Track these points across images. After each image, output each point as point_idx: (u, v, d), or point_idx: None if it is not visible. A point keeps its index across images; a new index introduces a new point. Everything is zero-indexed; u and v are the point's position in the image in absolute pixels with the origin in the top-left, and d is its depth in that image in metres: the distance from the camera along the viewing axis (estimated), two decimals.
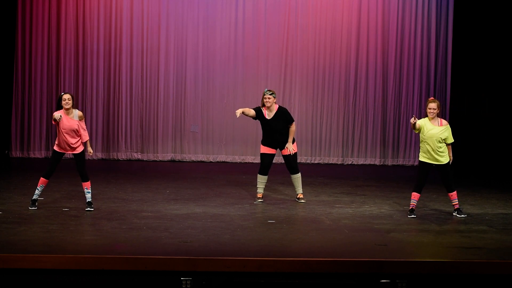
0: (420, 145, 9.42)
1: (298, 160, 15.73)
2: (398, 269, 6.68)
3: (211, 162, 15.96)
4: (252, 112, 10.23)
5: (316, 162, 16.15)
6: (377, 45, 16.12)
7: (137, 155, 15.88)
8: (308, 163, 15.99)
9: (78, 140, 9.24)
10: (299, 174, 10.41)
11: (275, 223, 8.65)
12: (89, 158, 9.81)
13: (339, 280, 6.68)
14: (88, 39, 15.72)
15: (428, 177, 9.46)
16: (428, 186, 12.22)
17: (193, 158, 15.99)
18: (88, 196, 9.32)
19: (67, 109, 9.14)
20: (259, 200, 10.31)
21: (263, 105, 10.21)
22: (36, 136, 15.72)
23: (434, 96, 16.19)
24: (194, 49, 15.95)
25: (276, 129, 10.20)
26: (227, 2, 15.94)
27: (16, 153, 15.66)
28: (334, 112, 16.19)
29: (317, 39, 16.10)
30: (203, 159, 16.00)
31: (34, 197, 9.30)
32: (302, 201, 10.39)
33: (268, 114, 10.21)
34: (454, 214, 9.52)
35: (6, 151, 15.45)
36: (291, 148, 10.22)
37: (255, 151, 15.88)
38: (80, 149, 9.27)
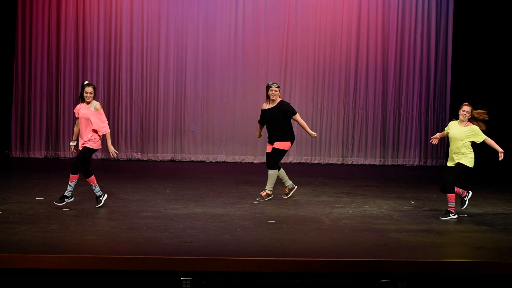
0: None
1: (298, 160, 15.94)
2: (398, 269, 6.68)
3: (211, 162, 15.95)
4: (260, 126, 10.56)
5: (316, 162, 16.15)
6: (377, 45, 16.12)
7: (137, 155, 15.88)
8: (308, 163, 15.99)
9: (92, 135, 9.20)
10: (274, 171, 10.19)
11: (275, 223, 8.64)
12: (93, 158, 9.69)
13: (339, 280, 6.68)
14: (88, 39, 15.72)
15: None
16: (428, 186, 12.23)
17: (193, 158, 15.99)
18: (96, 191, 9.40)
19: (88, 103, 9.19)
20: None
21: (267, 99, 10.22)
22: (36, 136, 15.72)
23: (434, 96, 16.19)
24: (194, 49, 15.95)
25: (269, 120, 10.17)
26: (227, 2, 15.94)
27: (16, 153, 15.66)
28: (334, 112, 16.20)
29: (317, 39, 16.10)
30: (203, 159, 16.00)
31: (66, 193, 9.29)
32: (261, 200, 10.18)
33: (268, 106, 10.23)
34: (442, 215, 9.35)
35: (6, 151, 15.44)
36: (314, 134, 10.31)
37: (255, 151, 15.88)
38: (87, 144, 9.19)
